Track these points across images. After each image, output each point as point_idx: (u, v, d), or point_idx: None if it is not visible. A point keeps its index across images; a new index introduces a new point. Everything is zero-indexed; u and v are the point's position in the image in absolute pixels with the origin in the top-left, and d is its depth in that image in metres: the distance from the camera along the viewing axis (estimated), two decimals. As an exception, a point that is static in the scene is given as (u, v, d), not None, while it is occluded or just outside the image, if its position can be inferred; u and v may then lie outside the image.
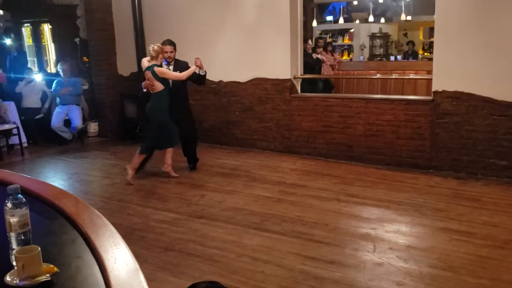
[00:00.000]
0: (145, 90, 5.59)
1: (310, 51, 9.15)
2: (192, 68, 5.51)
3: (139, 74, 7.91)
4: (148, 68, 5.38)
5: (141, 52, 7.84)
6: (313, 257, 3.60)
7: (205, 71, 5.70)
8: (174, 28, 7.56)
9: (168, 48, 5.52)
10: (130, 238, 4.03)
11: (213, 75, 7.33)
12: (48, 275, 1.28)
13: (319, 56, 9.33)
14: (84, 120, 8.15)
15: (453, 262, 3.44)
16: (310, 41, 9.70)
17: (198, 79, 5.69)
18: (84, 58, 8.46)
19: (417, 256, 3.56)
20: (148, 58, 5.56)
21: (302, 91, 7.02)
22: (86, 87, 8.32)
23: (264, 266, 3.49)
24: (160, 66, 5.46)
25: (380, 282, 3.20)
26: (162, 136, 5.60)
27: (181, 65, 5.66)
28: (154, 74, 5.35)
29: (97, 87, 8.37)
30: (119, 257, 1.39)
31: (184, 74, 5.50)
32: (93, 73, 8.37)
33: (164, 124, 5.57)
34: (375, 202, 4.77)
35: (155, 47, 5.37)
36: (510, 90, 5.16)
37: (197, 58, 5.51)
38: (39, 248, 1.30)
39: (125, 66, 8.31)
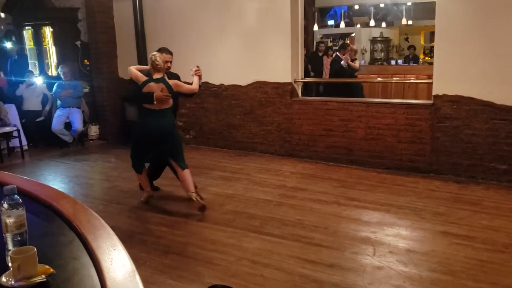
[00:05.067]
0: (155, 103, 4.63)
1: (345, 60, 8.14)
2: (197, 79, 4.93)
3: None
4: (159, 80, 4.62)
5: (142, 55, 7.86)
6: (312, 260, 3.59)
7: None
8: (175, 31, 7.59)
9: (168, 57, 4.87)
10: (130, 241, 4.03)
11: (214, 78, 7.36)
12: (43, 276, 1.28)
13: (348, 62, 8.13)
14: (85, 123, 8.15)
15: (453, 266, 3.42)
16: (350, 47, 8.56)
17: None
18: (85, 61, 8.48)
19: (417, 260, 3.55)
20: (140, 67, 4.89)
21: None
22: (87, 90, 8.33)
23: (264, 269, 3.48)
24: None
25: (380, 286, 3.19)
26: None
27: (175, 77, 5.02)
28: (170, 87, 4.65)
29: (98, 90, 8.38)
30: (116, 259, 1.38)
31: (196, 87, 4.91)
32: (94, 76, 8.38)
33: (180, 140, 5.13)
34: (375, 205, 4.76)
35: (160, 57, 4.64)
36: (510, 94, 5.16)
37: (197, 69, 4.95)
38: (35, 249, 1.29)
39: (126, 69, 8.24)
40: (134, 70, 4.73)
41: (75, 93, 7.79)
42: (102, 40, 8.15)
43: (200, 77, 4.97)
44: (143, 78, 4.64)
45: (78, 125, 7.77)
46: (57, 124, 7.67)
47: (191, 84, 4.90)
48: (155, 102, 4.57)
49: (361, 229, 4.17)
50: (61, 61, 8.25)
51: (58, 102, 7.82)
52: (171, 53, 4.93)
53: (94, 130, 8.47)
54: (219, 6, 7.12)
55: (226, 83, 7.30)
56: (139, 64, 7.85)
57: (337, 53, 8.54)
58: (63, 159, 7.18)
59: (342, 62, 8.07)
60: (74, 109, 7.83)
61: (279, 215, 4.55)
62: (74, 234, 1.59)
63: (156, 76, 4.62)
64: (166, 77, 4.74)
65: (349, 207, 4.72)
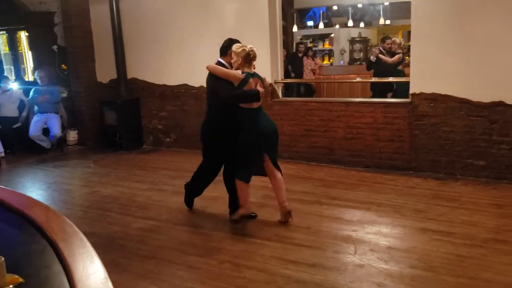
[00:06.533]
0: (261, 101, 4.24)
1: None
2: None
3: (119, 81, 7.87)
4: (254, 74, 4.18)
5: (120, 58, 7.79)
6: (295, 260, 3.59)
7: None
8: (154, 34, 7.55)
9: None
10: (110, 247, 3.98)
11: (194, 81, 7.34)
12: (11, 286, 1.25)
13: (378, 55, 7.72)
14: (63, 128, 8.03)
15: (433, 262, 3.46)
16: (392, 39, 7.97)
17: None
18: (63, 65, 8.36)
19: (398, 257, 3.58)
20: (226, 59, 4.30)
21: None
22: (65, 95, 8.21)
23: (246, 271, 3.46)
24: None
25: (361, 284, 3.20)
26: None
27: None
28: (262, 81, 4.24)
29: (76, 94, 8.27)
30: (88, 266, 1.35)
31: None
32: (71, 81, 8.26)
33: None
34: (356, 204, 4.79)
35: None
36: (485, 91, 5.25)
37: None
38: (3, 258, 1.26)
39: (104, 73, 8.23)
40: (219, 67, 4.22)
41: (52, 98, 7.67)
42: (79, 44, 8.04)
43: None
44: (238, 74, 4.10)
45: (56, 130, 7.65)
46: (34, 130, 7.54)
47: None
48: (261, 100, 4.19)
49: (343, 227, 4.19)
50: (37, 66, 8.11)
51: (35, 107, 7.69)
52: None
53: (72, 135, 8.35)
54: (197, 7, 7.09)
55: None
56: (117, 67, 7.79)
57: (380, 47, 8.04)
58: (41, 166, 7.06)
59: (372, 57, 7.90)
60: (52, 114, 7.70)
61: (262, 216, 4.54)
62: (47, 242, 1.56)
63: (248, 70, 4.14)
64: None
65: (331, 206, 4.74)
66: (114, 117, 7.92)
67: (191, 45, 7.24)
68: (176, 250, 3.89)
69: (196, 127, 7.46)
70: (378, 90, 7.75)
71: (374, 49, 7.88)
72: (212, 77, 4.23)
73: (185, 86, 7.49)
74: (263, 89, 4.18)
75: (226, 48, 4.32)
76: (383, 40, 8.16)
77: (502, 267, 3.34)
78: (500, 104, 5.19)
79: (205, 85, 7.16)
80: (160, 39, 7.51)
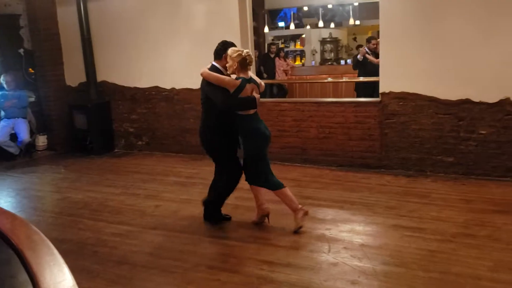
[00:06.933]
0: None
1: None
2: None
3: (89, 84, 7.74)
4: (250, 80, 4.04)
5: (89, 61, 7.66)
6: (270, 261, 3.60)
7: None
8: (123, 36, 7.46)
9: None
10: (82, 253, 3.91)
11: (165, 83, 7.29)
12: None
13: (365, 55, 7.75)
14: (32, 133, 7.84)
15: (404, 258, 3.52)
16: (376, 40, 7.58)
17: None
18: (30, 69, 8.16)
19: (371, 254, 3.63)
20: (220, 63, 4.15)
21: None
22: (32, 99, 8.02)
23: (221, 274, 3.45)
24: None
25: (335, 282, 3.23)
26: None
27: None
28: (258, 86, 4.13)
29: (44, 99, 8.08)
30: (56, 274, 1.32)
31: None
32: (39, 85, 8.08)
33: None
34: (330, 203, 4.84)
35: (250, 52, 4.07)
36: (453, 89, 5.38)
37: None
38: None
39: (73, 76, 8.08)
40: (214, 73, 4.04)
41: (19, 103, 7.48)
42: (47, 48, 7.87)
43: None
44: (234, 81, 3.97)
45: (24, 136, 7.46)
46: (1, 135, 7.34)
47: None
48: (257, 107, 4.08)
49: (317, 227, 4.22)
50: (3, 70, 7.89)
51: (2, 113, 7.49)
52: None
53: (42, 140, 8.15)
54: (168, 9, 7.03)
55: (177, 87, 7.22)
56: (87, 70, 7.66)
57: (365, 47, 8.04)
58: (10, 172, 6.87)
59: (359, 55, 7.86)
60: (20, 119, 7.51)
61: (236, 218, 4.53)
62: (12, 251, 1.52)
63: (244, 75, 4.00)
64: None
65: (305, 206, 4.75)
66: (84, 121, 7.79)
67: (162, 46, 7.18)
68: (149, 254, 3.85)
69: (168, 129, 7.44)
70: (363, 90, 7.71)
71: (361, 49, 7.85)
72: (206, 84, 4.06)
73: (156, 88, 7.42)
74: (258, 96, 4.05)
75: (220, 51, 4.16)
76: (368, 40, 8.17)
77: (471, 261, 3.43)
78: (467, 101, 5.32)
79: (176, 87, 7.22)
80: (130, 41, 7.42)
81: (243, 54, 3.95)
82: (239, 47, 6.48)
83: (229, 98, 3.95)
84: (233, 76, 4.07)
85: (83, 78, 7.83)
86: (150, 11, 7.18)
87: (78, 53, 7.72)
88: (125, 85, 7.69)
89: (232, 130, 4.15)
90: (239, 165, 4.27)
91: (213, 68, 4.13)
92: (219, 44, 4.26)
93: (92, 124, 7.74)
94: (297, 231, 4.08)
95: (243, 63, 3.96)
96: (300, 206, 4.12)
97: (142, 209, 4.96)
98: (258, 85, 4.09)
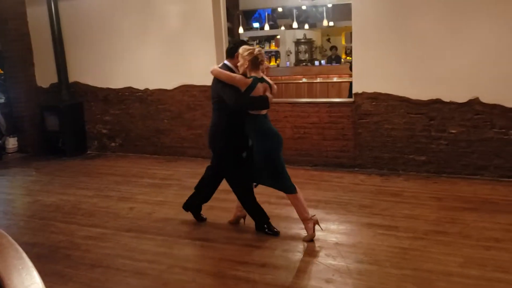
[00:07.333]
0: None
1: None
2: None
3: (60, 85, 7.60)
4: (262, 79, 3.91)
5: (61, 61, 7.52)
6: (245, 261, 3.60)
7: None
8: (95, 36, 7.36)
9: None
10: (54, 257, 3.85)
11: (138, 83, 7.22)
12: None
13: None
14: (1, 135, 7.67)
15: (378, 255, 3.58)
16: None
17: None
18: (-1, 70, 7.99)
19: (345, 252, 3.67)
20: (232, 62, 4.03)
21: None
22: (2, 100, 7.86)
23: (196, 275, 3.44)
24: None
25: (310, 281, 3.26)
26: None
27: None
28: (270, 86, 3.99)
29: (14, 100, 7.90)
30: (24, 278, 1.30)
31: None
32: (9, 86, 7.90)
33: None
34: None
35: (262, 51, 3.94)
36: (423, 89, 5.49)
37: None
38: None
39: (44, 77, 7.92)
40: (224, 71, 3.93)
41: (-12, 105, 7.31)
42: (17, 48, 7.70)
43: None
44: (245, 79, 3.84)
45: (-7, 138, 7.30)
46: (-31, 138, 7.16)
47: None
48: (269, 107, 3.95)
49: (292, 226, 4.25)
50: (-29, 71, 7.71)
51: (-30, 114, 7.30)
52: None
53: (12, 142, 7.97)
54: (140, 9, 6.97)
55: (151, 88, 7.16)
56: (58, 71, 7.52)
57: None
58: (-22, 176, 6.70)
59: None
60: (-12, 121, 7.34)
61: (210, 219, 4.52)
62: (-22, 256, 1.48)
63: (256, 74, 3.86)
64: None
65: (279, 206, 4.78)
66: (56, 123, 7.64)
67: (135, 47, 7.11)
68: (123, 257, 3.80)
69: (142, 130, 7.37)
70: None
71: None
72: (217, 82, 3.95)
73: (129, 89, 7.35)
74: (272, 95, 3.94)
75: (232, 50, 4.05)
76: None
77: (442, 257, 3.50)
78: (438, 101, 5.44)
79: (150, 88, 7.15)
80: (102, 41, 7.33)
81: (255, 52, 3.83)
82: (213, 48, 6.57)
83: (241, 97, 3.83)
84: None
85: (54, 79, 7.69)
86: (123, 11, 7.10)
87: (49, 53, 7.57)
88: (98, 85, 7.59)
89: (242, 132, 4.03)
90: (245, 171, 4.12)
91: (224, 67, 4.06)
92: (231, 42, 4.18)
93: (64, 126, 7.61)
94: (309, 240, 3.93)
95: (255, 61, 3.83)
96: (311, 215, 3.95)
97: (115, 211, 4.90)
98: (270, 85, 3.97)
